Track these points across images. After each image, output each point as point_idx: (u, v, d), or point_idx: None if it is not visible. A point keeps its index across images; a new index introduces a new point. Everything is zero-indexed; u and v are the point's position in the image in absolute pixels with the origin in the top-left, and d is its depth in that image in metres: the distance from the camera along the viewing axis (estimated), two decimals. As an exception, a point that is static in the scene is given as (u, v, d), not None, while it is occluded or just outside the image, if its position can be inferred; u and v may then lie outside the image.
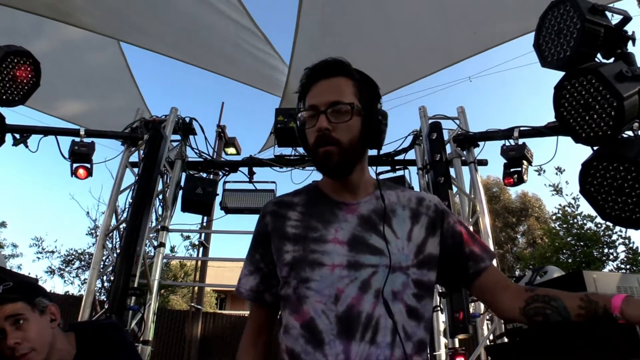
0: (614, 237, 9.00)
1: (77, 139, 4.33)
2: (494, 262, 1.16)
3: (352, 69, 1.14)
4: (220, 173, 5.11)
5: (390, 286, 0.99)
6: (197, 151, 4.98)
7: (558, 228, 9.94)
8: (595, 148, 2.13)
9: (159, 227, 4.43)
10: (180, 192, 4.65)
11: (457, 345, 3.85)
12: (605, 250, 9.10)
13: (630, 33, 2.06)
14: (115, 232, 4.42)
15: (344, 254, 1.01)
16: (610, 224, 8.18)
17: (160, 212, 4.51)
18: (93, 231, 11.44)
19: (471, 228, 4.14)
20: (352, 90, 1.09)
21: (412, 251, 1.04)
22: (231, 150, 8.26)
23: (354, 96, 1.08)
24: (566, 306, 0.99)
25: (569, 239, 9.41)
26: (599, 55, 2.14)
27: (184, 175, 4.80)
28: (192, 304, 9.52)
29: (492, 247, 3.96)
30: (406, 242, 1.05)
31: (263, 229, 1.12)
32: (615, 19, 2.06)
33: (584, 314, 0.97)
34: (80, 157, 4.31)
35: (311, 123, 1.08)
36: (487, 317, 3.81)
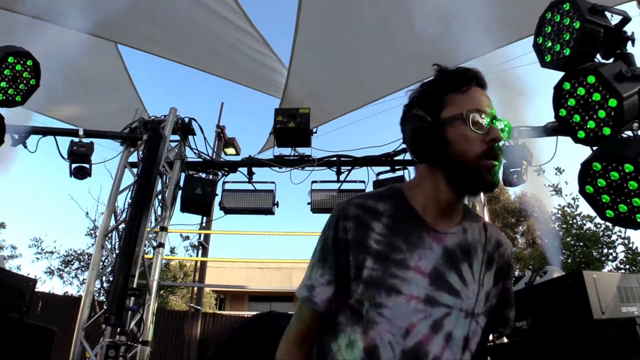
0: (613, 237, 9.00)
1: (76, 139, 4.33)
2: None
3: None
4: (220, 173, 5.10)
5: (462, 332, 0.95)
6: (196, 151, 4.98)
7: (557, 228, 9.94)
8: (594, 148, 2.13)
9: (158, 227, 4.42)
10: (180, 192, 4.64)
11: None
12: (605, 251, 9.10)
13: (629, 33, 2.06)
14: (114, 232, 4.41)
15: (423, 286, 0.95)
16: (610, 224, 8.18)
17: (159, 212, 4.50)
18: (92, 232, 11.42)
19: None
20: None
21: (483, 298, 1.00)
22: (230, 150, 8.26)
23: None
24: None
25: (568, 239, 9.41)
26: (598, 56, 2.14)
27: (183, 175, 4.79)
28: (192, 305, 9.51)
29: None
30: (479, 287, 1.00)
31: (343, 235, 1.00)
32: (614, 20, 2.07)
33: None
34: (79, 157, 4.31)
35: (479, 129, 0.96)
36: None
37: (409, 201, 1.04)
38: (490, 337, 3.71)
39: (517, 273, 12.61)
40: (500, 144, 0.97)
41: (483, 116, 0.97)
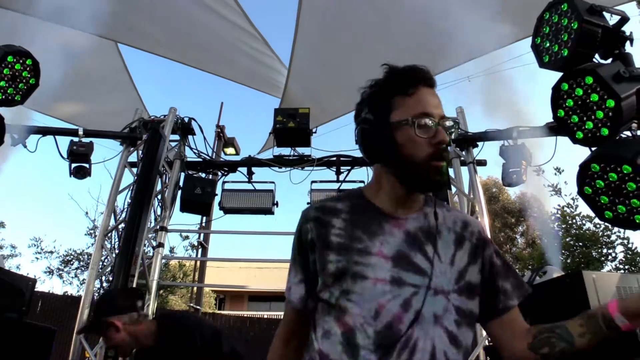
0: (613, 237, 9.01)
1: (76, 139, 4.33)
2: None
3: None
4: (219, 173, 5.10)
5: (431, 309, 0.96)
6: (196, 151, 4.98)
7: (557, 228, 9.94)
8: (593, 149, 2.13)
9: (158, 227, 4.42)
10: (179, 192, 4.65)
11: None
12: (604, 251, 9.11)
13: (628, 33, 2.07)
14: (114, 232, 4.41)
15: (387, 269, 0.98)
16: (609, 225, 8.18)
17: (159, 212, 4.51)
18: (92, 231, 11.43)
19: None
20: None
21: (454, 276, 1.02)
22: (230, 150, 8.25)
23: None
24: (568, 329, 0.98)
25: (567, 240, 9.42)
26: (597, 56, 2.15)
27: (182, 175, 4.79)
28: (191, 305, 9.51)
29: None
30: (449, 266, 1.02)
31: (305, 236, 1.08)
32: (613, 20, 2.07)
33: (585, 331, 0.96)
34: (79, 157, 4.31)
35: (424, 132, 1.00)
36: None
37: (367, 198, 1.10)
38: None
39: (516, 273, 12.59)
40: (447, 144, 1.02)
41: (429, 119, 1.00)
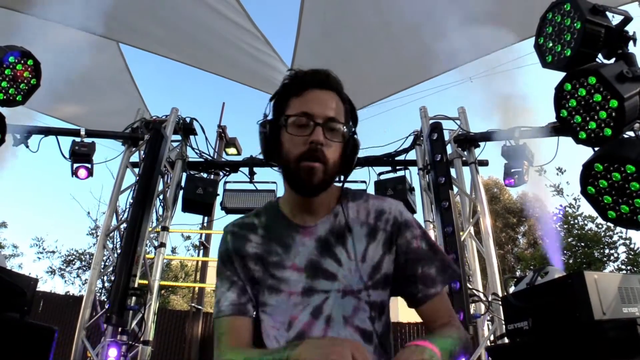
0: (615, 237, 8.99)
1: (78, 139, 4.34)
2: (445, 289, 1.08)
3: (343, 89, 1.08)
4: (221, 173, 5.10)
5: (340, 311, 0.99)
6: (197, 151, 4.98)
7: (559, 228, 9.93)
8: (596, 149, 2.13)
9: (160, 227, 4.42)
10: (181, 192, 4.65)
11: (457, 345, 3.84)
12: (606, 251, 9.10)
13: (631, 33, 2.06)
14: (115, 232, 4.42)
15: (300, 281, 1.01)
16: (611, 225, 8.17)
17: (160, 212, 4.51)
18: (94, 231, 11.46)
19: (472, 228, 4.13)
20: (343, 112, 1.04)
21: (366, 272, 1.02)
22: (232, 150, 8.28)
23: (344, 118, 1.04)
24: None
25: (569, 240, 9.40)
26: (600, 56, 2.14)
27: (184, 175, 4.79)
28: (193, 304, 9.52)
29: (492, 248, 3.94)
30: (360, 263, 1.02)
31: (225, 246, 1.09)
32: (616, 20, 2.07)
33: None
34: (81, 157, 4.31)
35: (301, 132, 0.99)
36: (488, 318, 3.80)
37: (280, 209, 1.11)
38: (492, 337, 3.70)
39: (518, 273, 12.59)
40: (332, 145, 0.99)
41: (304, 118, 0.99)
